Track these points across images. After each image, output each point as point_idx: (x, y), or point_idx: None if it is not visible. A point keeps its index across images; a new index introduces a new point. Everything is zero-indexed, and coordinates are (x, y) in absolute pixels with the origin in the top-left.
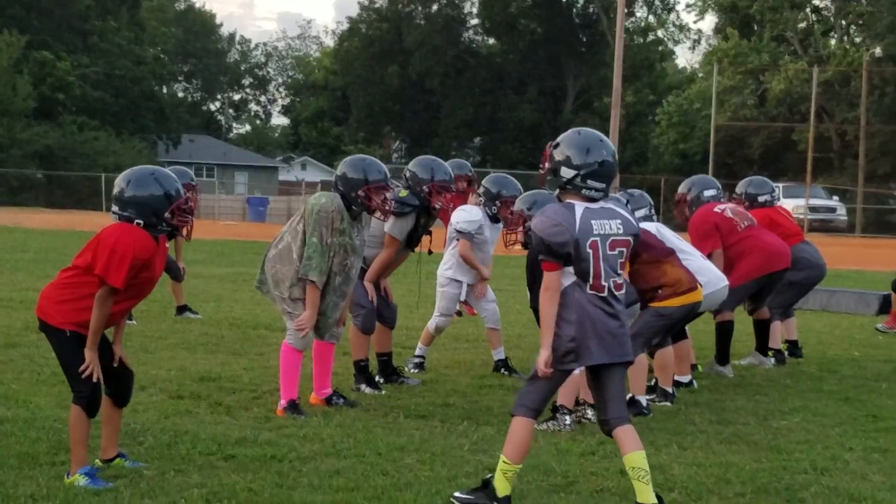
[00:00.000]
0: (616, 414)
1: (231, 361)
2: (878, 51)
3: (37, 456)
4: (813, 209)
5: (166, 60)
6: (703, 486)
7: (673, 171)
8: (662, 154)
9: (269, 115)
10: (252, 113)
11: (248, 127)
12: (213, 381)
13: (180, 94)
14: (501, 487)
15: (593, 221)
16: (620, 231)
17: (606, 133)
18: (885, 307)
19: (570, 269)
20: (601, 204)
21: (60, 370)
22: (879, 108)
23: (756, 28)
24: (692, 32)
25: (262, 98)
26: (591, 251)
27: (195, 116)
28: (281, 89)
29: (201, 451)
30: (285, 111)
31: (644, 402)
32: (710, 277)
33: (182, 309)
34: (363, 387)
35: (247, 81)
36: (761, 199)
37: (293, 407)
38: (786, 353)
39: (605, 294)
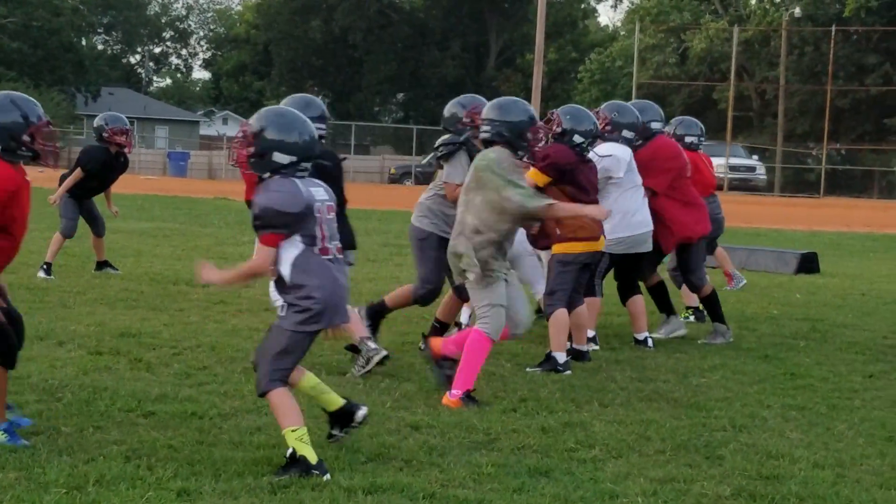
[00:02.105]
0: None
1: (151, 317)
2: (797, 10)
3: None
4: (733, 168)
5: (85, 11)
6: (624, 443)
7: None
8: None
9: (189, 68)
10: (173, 66)
11: (168, 80)
12: (132, 336)
13: (100, 47)
14: (309, 454)
15: (311, 189)
16: (327, 197)
17: (529, 91)
18: (803, 266)
19: (297, 237)
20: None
21: None
22: (798, 67)
23: None
24: None
25: (184, 51)
26: (318, 216)
27: (115, 69)
28: (202, 43)
29: (121, 407)
30: (206, 65)
31: (561, 360)
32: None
33: (102, 264)
34: None
35: (167, 34)
36: (688, 139)
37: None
38: (704, 311)
39: (331, 257)
